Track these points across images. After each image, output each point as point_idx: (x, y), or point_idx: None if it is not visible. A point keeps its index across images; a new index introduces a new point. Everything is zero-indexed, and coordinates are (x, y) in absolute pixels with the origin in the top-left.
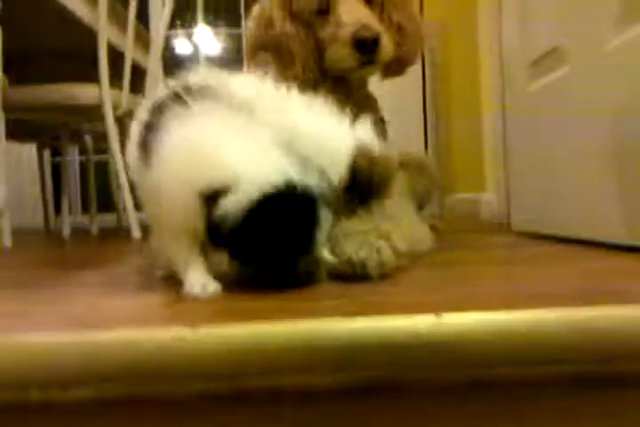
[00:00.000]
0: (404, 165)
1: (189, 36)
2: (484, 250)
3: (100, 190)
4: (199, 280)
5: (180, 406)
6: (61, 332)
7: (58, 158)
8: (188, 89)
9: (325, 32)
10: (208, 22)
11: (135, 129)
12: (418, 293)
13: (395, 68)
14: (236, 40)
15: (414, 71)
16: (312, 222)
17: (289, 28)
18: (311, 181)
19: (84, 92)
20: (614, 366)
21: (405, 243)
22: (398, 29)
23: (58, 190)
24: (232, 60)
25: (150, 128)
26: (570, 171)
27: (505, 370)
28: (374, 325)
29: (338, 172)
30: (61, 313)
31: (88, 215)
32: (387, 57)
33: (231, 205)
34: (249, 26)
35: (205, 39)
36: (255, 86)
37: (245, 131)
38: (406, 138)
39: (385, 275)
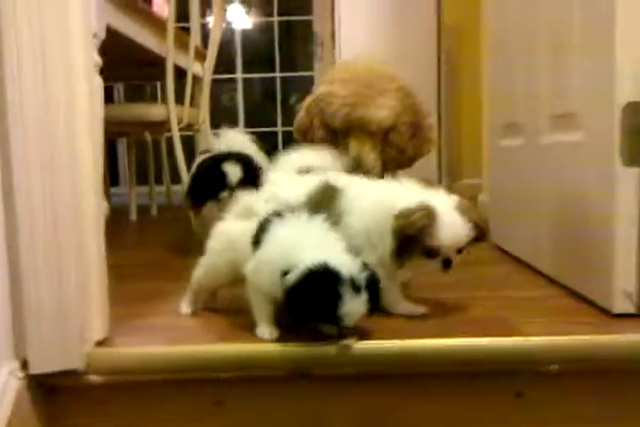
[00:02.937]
0: None
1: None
2: None
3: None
4: (267, 329)
5: None
6: None
7: None
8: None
9: None
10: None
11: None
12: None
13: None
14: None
15: (429, 68)
16: (336, 294)
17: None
18: (349, 263)
19: (153, 111)
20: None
21: None
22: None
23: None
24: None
25: (260, 230)
26: (530, 207)
27: None
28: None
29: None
30: None
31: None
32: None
33: (288, 279)
34: (299, 113)
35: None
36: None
37: (319, 232)
38: None
39: None
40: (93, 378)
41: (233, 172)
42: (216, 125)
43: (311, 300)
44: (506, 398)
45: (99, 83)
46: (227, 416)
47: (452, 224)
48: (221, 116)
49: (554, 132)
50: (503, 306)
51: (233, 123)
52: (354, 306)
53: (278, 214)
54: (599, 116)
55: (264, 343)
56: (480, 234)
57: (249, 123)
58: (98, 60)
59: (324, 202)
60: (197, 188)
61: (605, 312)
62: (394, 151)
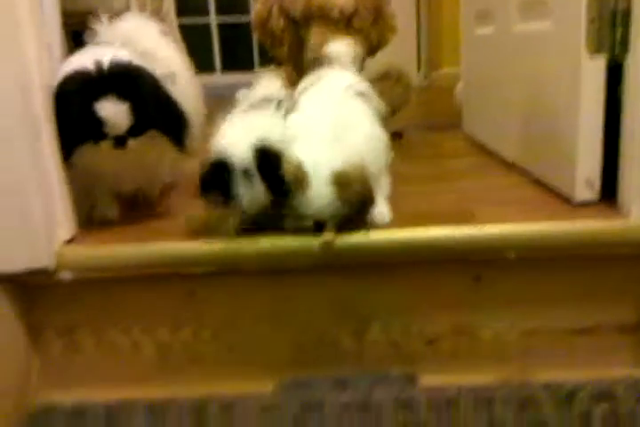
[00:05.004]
0: (384, 75)
1: None
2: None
3: None
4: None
5: None
6: None
7: None
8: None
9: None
10: None
11: None
12: None
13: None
14: None
15: None
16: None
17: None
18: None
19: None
20: None
21: None
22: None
23: None
24: None
25: None
26: (500, 95)
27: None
28: None
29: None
30: None
31: None
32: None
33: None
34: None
35: None
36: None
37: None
38: (399, 8)
39: None
40: (64, 275)
41: (114, 114)
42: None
43: (208, 188)
44: (465, 281)
45: None
46: (199, 307)
47: (317, 198)
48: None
49: (524, 21)
50: (465, 196)
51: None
52: (248, 194)
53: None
54: (566, 3)
55: (238, 241)
56: (360, 207)
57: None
58: None
59: None
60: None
61: (567, 202)
62: (357, 39)
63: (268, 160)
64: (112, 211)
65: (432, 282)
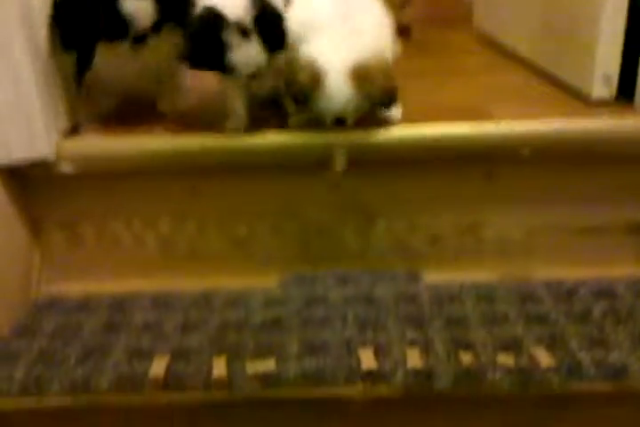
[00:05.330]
0: None
1: None
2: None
3: None
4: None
5: None
6: None
7: None
8: None
9: None
10: None
11: None
12: None
13: None
14: None
15: None
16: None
17: None
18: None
19: None
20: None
21: None
22: None
23: None
24: None
25: None
26: None
27: None
28: None
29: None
30: None
31: None
32: None
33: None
34: None
35: None
36: None
37: None
38: None
39: None
40: (65, 168)
41: (137, 10)
42: None
43: (198, 46)
44: (475, 179)
45: None
46: (202, 201)
47: (337, 92)
48: None
49: None
50: (478, 92)
51: None
52: (243, 52)
53: None
54: None
55: (244, 136)
56: (384, 101)
57: None
58: None
59: None
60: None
61: (583, 99)
62: None
63: (265, 13)
64: (110, 101)
65: (441, 179)
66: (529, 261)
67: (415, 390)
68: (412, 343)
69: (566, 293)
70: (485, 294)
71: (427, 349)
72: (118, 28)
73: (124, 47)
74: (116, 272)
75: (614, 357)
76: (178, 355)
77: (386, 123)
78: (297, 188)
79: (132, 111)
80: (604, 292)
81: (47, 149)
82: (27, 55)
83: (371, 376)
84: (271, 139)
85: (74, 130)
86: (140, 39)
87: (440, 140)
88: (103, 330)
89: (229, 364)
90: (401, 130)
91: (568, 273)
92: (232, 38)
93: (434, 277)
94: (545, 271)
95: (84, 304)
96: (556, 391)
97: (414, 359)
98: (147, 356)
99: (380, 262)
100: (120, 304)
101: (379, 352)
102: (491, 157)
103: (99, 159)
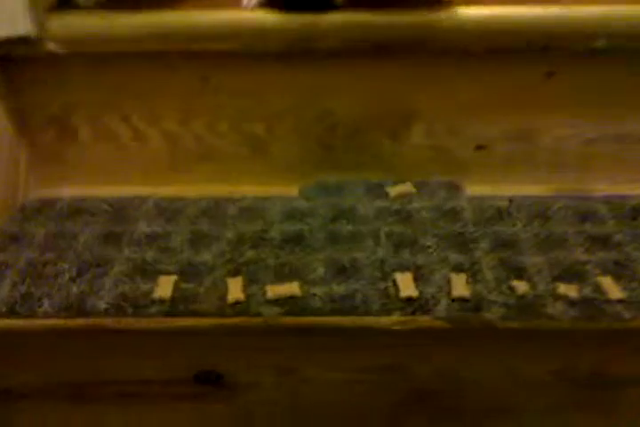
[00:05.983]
0: None
1: None
2: None
3: None
4: None
5: None
6: None
7: None
8: None
9: None
10: None
11: None
12: None
13: None
14: None
15: None
16: None
17: None
18: None
19: None
20: None
21: None
22: None
23: None
24: None
25: None
26: None
27: None
28: None
29: None
30: None
31: None
32: None
33: None
34: None
35: None
36: None
37: None
38: None
39: None
40: (51, 46)
41: None
42: None
43: None
44: (533, 77)
45: None
46: (214, 95)
47: None
48: None
49: None
50: None
51: None
52: None
53: None
54: None
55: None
56: None
57: None
58: None
59: None
60: None
61: None
62: None
63: None
64: None
65: (493, 76)
66: (587, 173)
67: (461, 322)
68: (457, 268)
69: (627, 211)
70: (539, 212)
71: (474, 275)
72: None
73: None
74: (115, 174)
75: None
76: (187, 273)
77: None
78: (320, 79)
79: None
80: None
81: (27, 24)
82: None
83: (410, 305)
84: (291, 17)
85: (64, 2)
86: None
87: (495, 28)
88: (101, 241)
89: (246, 287)
90: (446, 12)
91: (631, 190)
92: None
93: (479, 189)
94: (604, 187)
95: (79, 211)
96: (629, 326)
97: (460, 287)
98: (151, 274)
99: (417, 172)
100: (120, 212)
101: (418, 277)
102: (556, 52)
103: (89, 38)
